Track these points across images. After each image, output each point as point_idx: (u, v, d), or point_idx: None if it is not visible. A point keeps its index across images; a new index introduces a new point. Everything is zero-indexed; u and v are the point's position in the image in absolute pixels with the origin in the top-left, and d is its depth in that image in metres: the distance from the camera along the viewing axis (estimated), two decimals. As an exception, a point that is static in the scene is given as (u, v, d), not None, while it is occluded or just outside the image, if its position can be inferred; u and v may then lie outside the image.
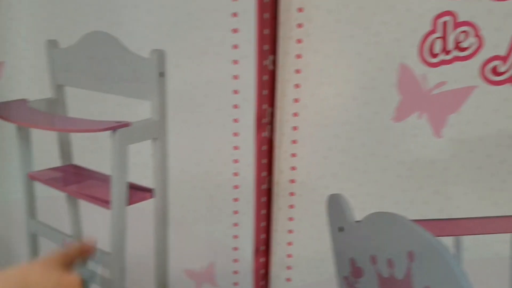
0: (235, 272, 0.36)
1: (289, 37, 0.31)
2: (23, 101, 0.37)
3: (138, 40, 0.32)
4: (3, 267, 0.42)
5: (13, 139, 0.38)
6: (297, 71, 0.31)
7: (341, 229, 0.34)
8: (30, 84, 0.36)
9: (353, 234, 0.34)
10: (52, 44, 0.35)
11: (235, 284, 0.37)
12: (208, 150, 0.34)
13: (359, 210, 0.33)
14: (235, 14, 0.30)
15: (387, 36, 0.29)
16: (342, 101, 0.31)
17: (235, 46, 0.31)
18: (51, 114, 0.36)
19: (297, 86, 0.32)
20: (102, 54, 0.34)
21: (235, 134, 0.33)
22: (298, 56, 0.31)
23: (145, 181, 0.36)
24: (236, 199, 0.34)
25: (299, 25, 0.30)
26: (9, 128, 0.38)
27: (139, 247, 0.38)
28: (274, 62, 0.32)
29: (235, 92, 0.32)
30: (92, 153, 0.36)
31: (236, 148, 0.33)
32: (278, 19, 0.31)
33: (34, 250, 0.41)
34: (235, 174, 0.34)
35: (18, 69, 0.36)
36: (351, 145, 0.32)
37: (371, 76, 0.30)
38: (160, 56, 0.32)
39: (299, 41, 0.31)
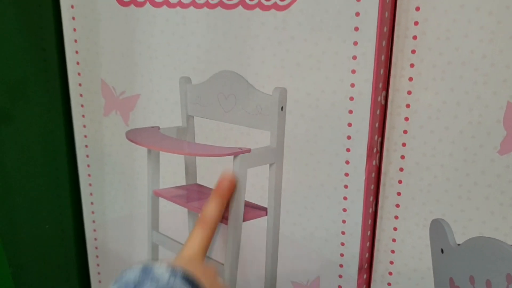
0: (339, 287, 0.40)
1: (401, 75, 0.35)
2: (156, 128, 0.42)
3: (262, 79, 0.37)
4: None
5: (144, 160, 0.43)
6: (407, 106, 0.35)
7: (442, 251, 0.37)
8: (162, 115, 0.42)
9: (454, 256, 0.36)
10: (186, 80, 0.40)
11: (339, 297, 0.40)
12: (320, 175, 0.38)
13: (460, 235, 0.36)
14: (354, 57, 0.34)
15: (495, 77, 0.32)
16: (449, 134, 0.34)
17: (352, 85, 0.35)
18: (181, 140, 0.42)
19: (406, 119, 0.35)
20: (230, 90, 0.38)
21: (347, 162, 0.37)
22: (409, 92, 0.35)
23: (261, 201, 0.40)
24: (344, 221, 0.38)
25: (411, 65, 0.34)
26: (141, 152, 0.43)
27: (250, 260, 0.42)
28: (385, 98, 0.36)
29: (349, 124, 0.36)
30: (215, 174, 0.41)
31: (346, 174, 0.37)
32: (392, 60, 0.35)
33: (155, 258, 0.46)
34: (345, 198, 0.37)
35: (152, 101, 0.42)
36: (455, 175, 0.35)
37: (478, 113, 0.33)
38: (282, 93, 0.37)
39: (410, 79, 0.35)
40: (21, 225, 0.45)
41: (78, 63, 0.43)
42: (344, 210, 0.38)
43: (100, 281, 0.50)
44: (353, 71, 0.34)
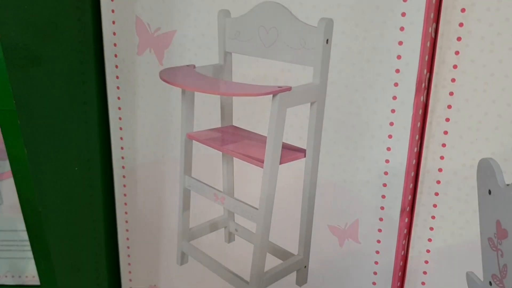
0: (379, 231, 0.39)
1: (453, 6, 0.33)
2: (191, 67, 0.41)
3: (307, 9, 0.36)
4: (157, 219, 0.47)
5: (178, 102, 0.42)
6: (458, 39, 0.34)
7: (490, 192, 0.36)
8: (198, 51, 0.40)
9: (502, 197, 0.35)
10: (225, 13, 0.39)
11: (378, 241, 0.39)
12: (364, 113, 0.36)
13: (510, 174, 0.35)
14: (406, -16, 0.33)
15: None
16: (503, 67, 0.33)
17: (403, 14, 0.33)
18: (217, 79, 0.40)
19: (457, 53, 0.34)
20: (272, 23, 0.37)
21: (394, 98, 0.35)
22: (460, 24, 0.33)
23: (299, 142, 0.39)
24: (387, 161, 0.37)
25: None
26: (175, 92, 0.42)
27: (285, 203, 0.41)
28: (435, 30, 0.35)
29: (398, 57, 0.34)
30: (252, 115, 0.40)
31: (393, 111, 0.36)
32: None
33: (187, 203, 0.45)
34: (389, 136, 0.36)
35: (188, 37, 0.40)
36: (508, 111, 0.33)
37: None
38: (328, 24, 0.35)
39: (463, 10, 0.33)
40: (49, 168, 0.44)
41: (114, 23, 0.42)
42: (388, 149, 0.36)
43: (127, 230, 0.49)
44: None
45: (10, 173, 0.59)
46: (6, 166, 0.59)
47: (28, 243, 0.62)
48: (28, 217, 0.45)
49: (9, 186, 0.59)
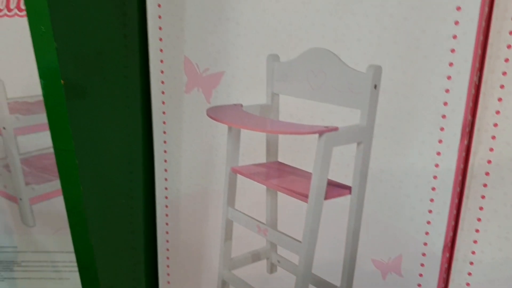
0: (422, 265, 0.40)
1: (497, 56, 0.35)
2: (238, 106, 0.43)
3: (357, 56, 0.37)
4: (199, 247, 0.49)
5: (223, 138, 0.44)
6: (501, 87, 0.36)
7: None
8: (246, 91, 0.42)
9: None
10: (274, 58, 0.40)
11: (420, 275, 0.41)
12: (411, 155, 0.38)
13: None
14: (454, 36, 0.34)
15: None
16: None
17: (451, 64, 0.35)
18: (264, 118, 0.42)
19: (499, 99, 0.36)
20: (320, 67, 0.39)
21: (440, 141, 0.37)
22: (504, 73, 0.35)
23: (345, 180, 0.41)
24: (432, 200, 0.38)
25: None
26: (221, 129, 0.44)
27: (329, 238, 0.43)
28: (479, 78, 0.37)
29: (445, 103, 0.36)
30: (298, 152, 0.42)
31: (438, 153, 0.37)
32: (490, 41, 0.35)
33: (229, 234, 0.46)
34: (434, 177, 0.38)
35: (236, 78, 0.42)
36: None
37: None
38: (376, 70, 0.37)
39: (506, 60, 0.35)
40: (100, 202, 0.45)
41: (161, 39, 0.43)
42: (433, 189, 0.38)
43: (168, 258, 0.50)
44: (453, 51, 0.35)
45: (43, 197, 0.61)
46: (40, 189, 0.60)
47: (61, 264, 0.64)
48: (79, 247, 0.46)
49: (40, 208, 0.61)
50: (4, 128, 0.57)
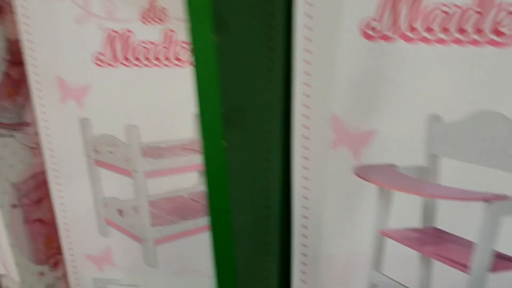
0: None
1: None
2: (391, 166, 0.40)
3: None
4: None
5: (371, 198, 0.42)
6: None
7: None
8: (401, 153, 0.40)
9: None
10: (435, 118, 0.38)
11: None
12: None
13: None
14: None
15: None
16: None
17: None
18: (421, 180, 0.39)
19: None
20: (490, 132, 0.36)
21: None
22: None
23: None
24: None
25: None
26: (370, 188, 0.42)
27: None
28: None
29: None
30: (459, 219, 0.39)
31: None
32: None
33: (374, 300, 0.44)
34: None
35: (390, 137, 0.40)
36: None
37: None
38: None
39: None
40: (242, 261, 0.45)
41: (308, 95, 0.42)
42: None
43: (301, 315, 0.49)
44: None
45: (167, 238, 0.62)
46: (164, 231, 0.62)
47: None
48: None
49: (163, 250, 0.62)
50: (135, 171, 0.59)
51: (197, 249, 0.61)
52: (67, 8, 0.54)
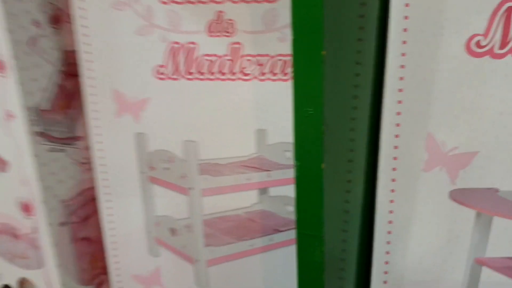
0: None
1: None
2: (493, 190, 0.38)
3: None
4: None
5: (467, 224, 0.39)
6: None
7: None
8: (503, 175, 0.37)
9: None
10: (548, 141, 0.36)
11: None
12: None
13: None
14: None
15: None
16: None
17: None
18: (528, 206, 0.37)
19: None
20: None
21: None
22: None
23: None
24: None
25: None
26: (466, 213, 0.39)
27: None
28: None
29: None
30: None
31: None
32: None
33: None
34: None
35: (493, 160, 0.38)
36: None
37: None
38: None
39: None
40: None
41: (399, 113, 0.40)
42: None
43: None
44: None
45: (221, 259, 0.59)
46: (218, 251, 0.59)
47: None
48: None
49: (216, 271, 0.60)
50: (192, 188, 0.56)
51: (252, 272, 0.58)
52: (128, 19, 0.52)
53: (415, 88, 0.38)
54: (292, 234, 0.55)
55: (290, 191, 0.52)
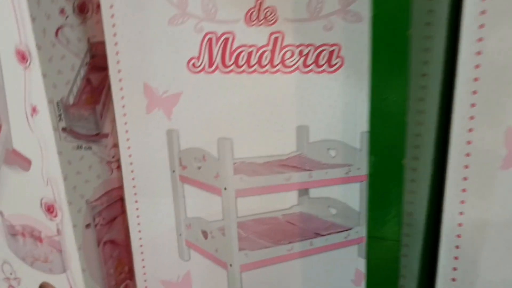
0: None
1: None
2: None
3: None
4: None
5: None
6: None
7: None
8: None
9: None
10: None
11: None
12: None
13: None
14: None
15: None
16: None
17: None
18: None
19: None
20: None
21: None
22: None
23: None
24: None
25: None
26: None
27: None
28: None
29: None
30: None
31: None
32: None
33: None
34: None
35: None
36: None
37: None
38: None
39: None
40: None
41: (473, 104, 0.36)
42: None
43: None
44: None
45: (255, 264, 0.56)
46: (253, 256, 0.55)
47: None
48: None
49: (250, 277, 0.56)
50: (225, 188, 0.53)
51: (289, 278, 0.54)
52: (160, 8, 0.48)
53: (493, 79, 0.34)
54: (333, 238, 0.51)
55: (332, 192, 0.49)
